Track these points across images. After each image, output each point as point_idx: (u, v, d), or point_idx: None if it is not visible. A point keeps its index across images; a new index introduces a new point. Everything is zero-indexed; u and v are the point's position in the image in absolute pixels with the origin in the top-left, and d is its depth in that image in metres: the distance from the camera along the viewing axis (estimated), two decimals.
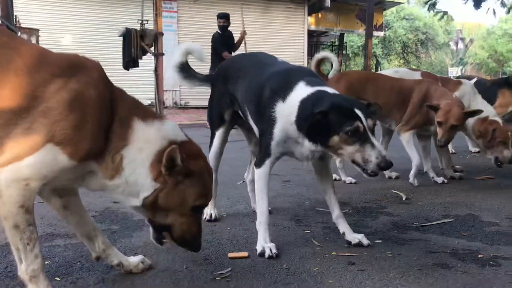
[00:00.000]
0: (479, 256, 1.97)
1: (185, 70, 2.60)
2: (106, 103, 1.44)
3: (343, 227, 2.18)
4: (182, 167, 1.45)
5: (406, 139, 3.50)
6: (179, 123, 9.83)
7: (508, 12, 16.90)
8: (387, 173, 3.78)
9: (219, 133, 2.48)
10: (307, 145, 1.95)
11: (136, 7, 10.97)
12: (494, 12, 19.37)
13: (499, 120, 3.58)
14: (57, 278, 1.72)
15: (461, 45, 30.95)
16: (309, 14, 14.52)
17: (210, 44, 8.08)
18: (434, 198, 3.05)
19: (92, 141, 1.40)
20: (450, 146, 4.76)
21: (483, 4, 12.81)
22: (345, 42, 20.22)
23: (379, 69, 31.98)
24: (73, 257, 1.94)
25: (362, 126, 1.80)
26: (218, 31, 8.13)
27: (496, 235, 2.28)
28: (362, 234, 2.14)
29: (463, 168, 4.04)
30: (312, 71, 2.22)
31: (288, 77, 2.07)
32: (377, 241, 2.18)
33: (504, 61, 37.18)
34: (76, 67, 1.43)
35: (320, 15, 15.62)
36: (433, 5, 13.54)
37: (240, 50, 8.42)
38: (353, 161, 1.85)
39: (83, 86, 1.40)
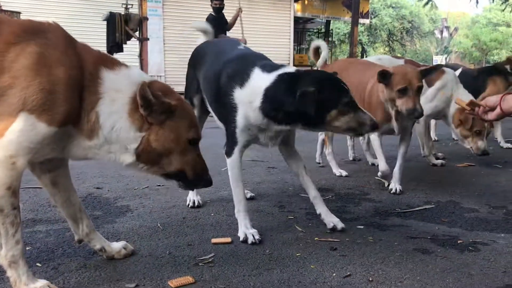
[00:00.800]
0: (459, 241, 2.01)
1: None
2: (72, 61, 1.39)
3: (320, 208, 2.20)
4: (160, 103, 1.42)
5: (372, 140, 3.05)
6: None
7: (492, 1, 17.05)
8: (370, 160, 3.82)
9: None
10: (275, 129, 1.97)
11: None
12: (477, 1, 19.53)
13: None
14: (38, 264, 1.70)
15: (446, 34, 31.15)
16: (296, 0, 14.45)
17: None
18: (416, 185, 3.09)
19: (67, 102, 1.35)
20: (432, 134, 4.83)
21: None
22: (331, 29, 20.19)
23: (364, 56, 32.05)
24: (55, 243, 1.92)
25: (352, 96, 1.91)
26: (212, 13, 7.95)
27: (475, 221, 2.32)
28: (338, 219, 2.16)
29: (445, 155, 4.09)
30: (265, 56, 2.18)
31: (243, 64, 2.05)
32: (359, 227, 2.21)
33: (488, 50, 37.56)
34: (33, 31, 1.37)
35: (306, 1, 15.55)
36: None
37: (237, 29, 8.34)
38: (348, 129, 1.92)
39: (43, 48, 1.35)
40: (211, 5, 7.81)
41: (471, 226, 2.25)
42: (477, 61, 36.82)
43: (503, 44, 38.28)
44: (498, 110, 1.76)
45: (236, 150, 2.07)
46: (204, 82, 2.29)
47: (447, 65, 6.82)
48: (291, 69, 1.98)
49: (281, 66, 2.01)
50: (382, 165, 2.97)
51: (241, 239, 1.97)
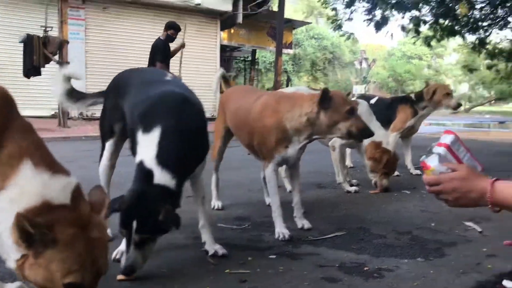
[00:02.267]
0: (365, 268, 2.08)
1: (72, 95, 2.54)
2: None
3: (205, 236, 2.26)
4: (42, 234, 1.17)
5: (268, 178, 2.69)
6: (85, 135, 9.34)
7: (406, 35, 18.34)
8: (288, 187, 3.89)
9: (109, 145, 2.43)
10: None
11: (40, 13, 10.40)
12: (392, 36, 20.95)
13: (391, 149, 3.86)
14: None
15: (364, 65, 32.93)
16: (222, 29, 14.68)
17: (149, 52, 7.90)
18: (330, 212, 3.19)
19: None
20: (348, 161, 5.03)
21: (383, 27, 13.71)
22: (257, 58, 20.68)
23: (290, 84, 33.05)
24: None
25: None
26: (162, 37, 7.92)
27: (382, 247, 2.43)
28: (220, 246, 2.22)
29: (359, 182, 4.26)
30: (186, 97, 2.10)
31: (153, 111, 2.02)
32: (271, 256, 2.22)
33: (403, 80, 40.23)
34: None
35: (232, 30, 15.86)
36: (339, 26, 14.28)
37: (175, 61, 8.32)
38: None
39: None
40: (167, 33, 7.83)
41: (378, 252, 2.34)
42: (393, 90, 39.26)
43: (416, 75, 41.19)
44: None
45: None
46: (129, 112, 2.20)
47: (364, 95, 7.31)
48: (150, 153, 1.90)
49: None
50: (278, 224, 2.58)
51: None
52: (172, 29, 7.85)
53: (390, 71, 40.59)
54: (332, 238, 2.57)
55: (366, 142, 3.88)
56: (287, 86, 34.35)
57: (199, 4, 12.50)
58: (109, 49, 12.53)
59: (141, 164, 1.88)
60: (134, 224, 1.76)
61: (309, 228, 2.72)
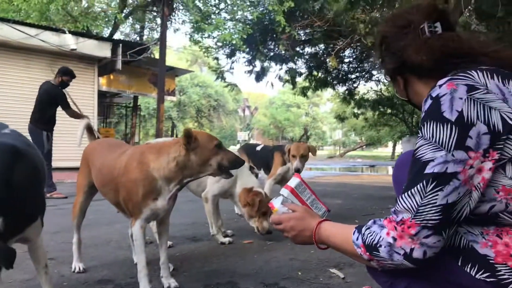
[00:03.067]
0: None
1: None
2: None
3: None
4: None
5: (135, 236, 2.51)
6: None
7: (283, 85, 19.42)
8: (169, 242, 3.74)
9: None
10: None
11: None
12: (272, 85, 22.06)
13: (263, 191, 3.94)
14: None
15: (247, 112, 34.15)
16: (101, 75, 14.22)
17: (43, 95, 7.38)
18: (201, 267, 3.10)
19: None
20: (237, 209, 5.06)
21: (263, 78, 14.38)
22: (139, 105, 20.33)
23: (175, 131, 32.95)
24: None
25: None
26: (53, 82, 7.40)
27: None
28: None
29: (234, 232, 4.25)
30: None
31: None
32: None
33: (283, 127, 42.30)
34: None
35: (112, 76, 15.45)
36: (222, 76, 14.68)
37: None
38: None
39: None
40: (62, 79, 7.39)
41: None
42: (274, 137, 41.03)
43: (295, 122, 43.62)
44: None
45: None
46: None
47: (248, 144, 7.65)
48: None
49: None
50: (143, 285, 2.43)
51: None
52: (69, 75, 7.49)
53: (271, 118, 42.54)
54: None
55: (238, 190, 3.95)
56: (172, 132, 34.18)
57: (75, 49, 11.99)
58: None
59: None
60: None
61: (176, 287, 2.60)
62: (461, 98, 1.12)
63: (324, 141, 52.37)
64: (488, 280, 1.13)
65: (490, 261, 1.14)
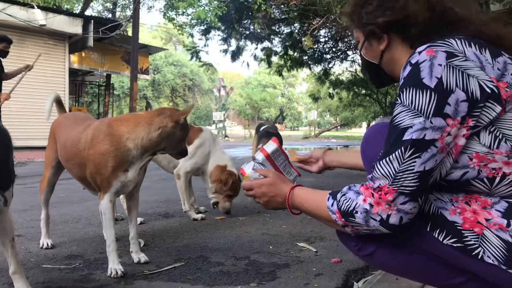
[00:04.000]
0: None
1: None
2: None
3: (18, 284, 1.96)
4: None
5: (104, 207, 2.46)
6: None
7: (259, 64, 19.34)
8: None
9: None
10: None
11: None
12: (248, 65, 21.97)
13: (236, 172, 3.93)
14: None
15: (223, 92, 33.92)
16: (72, 52, 13.87)
17: None
18: (172, 242, 3.10)
19: None
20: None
21: (238, 57, 14.27)
22: (113, 83, 19.95)
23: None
24: None
25: None
26: None
27: (218, 275, 2.40)
28: None
29: (207, 208, 4.25)
30: None
31: None
32: None
33: (259, 108, 42.25)
34: None
35: (83, 54, 15.09)
36: (197, 54, 14.47)
37: (11, 81, 7.55)
38: None
39: None
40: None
41: (214, 281, 2.31)
42: (250, 118, 41.00)
43: (270, 103, 43.64)
44: (320, 163, 1.88)
45: None
46: None
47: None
48: None
49: None
50: (112, 260, 2.40)
51: None
52: (4, 42, 7.12)
53: (247, 99, 42.41)
54: (168, 270, 2.48)
55: (210, 168, 3.94)
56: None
57: (44, 25, 11.63)
58: None
59: None
60: None
61: (146, 261, 2.59)
62: (440, 65, 1.12)
63: (299, 121, 52.62)
64: (455, 245, 1.16)
65: (458, 227, 1.16)
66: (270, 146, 1.60)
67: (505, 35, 1.26)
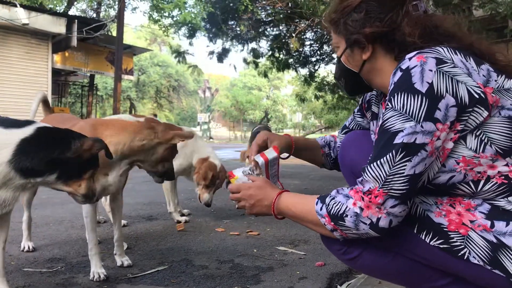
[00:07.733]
0: None
1: None
2: None
3: None
4: None
5: (86, 210, 2.45)
6: None
7: (247, 67, 19.36)
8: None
9: None
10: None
11: None
12: (235, 67, 21.98)
13: (218, 164, 3.89)
14: None
15: (208, 94, 33.85)
16: (55, 51, 13.70)
17: None
18: (156, 245, 3.07)
19: None
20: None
21: (225, 59, 14.26)
22: (96, 84, 19.76)
23: (132, 111, 32.26)
24: None
25: None
26: None
27: (202, 279, 2.39)
28: None
29: (191, 211, 4.23)
30: None
31: None
32: None
33: (244, 110, 42.25)
34: None
35: (67, 53, 14.92)
36: (181, 54, 14.41)
37: None
38: None
39: None
40: None
41: (197, 284, 2.29)
42: (236, 119, 40.99)
43: (256, 105, 43.69)
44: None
45: None
46: None
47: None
48: None
49: None
50: (94, 264, 2.38)
51: None
52: None
53: (233, 100, 42.38)
54: (152, 274, 2.46)
55: (194, 161, 3.89)
56: (130, 113, 33.52)
57: (27, 24, 11.46)
58: None
59: None
60: None
61: (129, 265, 2.57)
62: (431, 70, 1.14)
63: (284, 123, 52.70)
64: (441, 246, 1.18)
65: (444, 229, 1.18)
66: (271, 153, 1.60)
67: (492, 51, 1.28)
